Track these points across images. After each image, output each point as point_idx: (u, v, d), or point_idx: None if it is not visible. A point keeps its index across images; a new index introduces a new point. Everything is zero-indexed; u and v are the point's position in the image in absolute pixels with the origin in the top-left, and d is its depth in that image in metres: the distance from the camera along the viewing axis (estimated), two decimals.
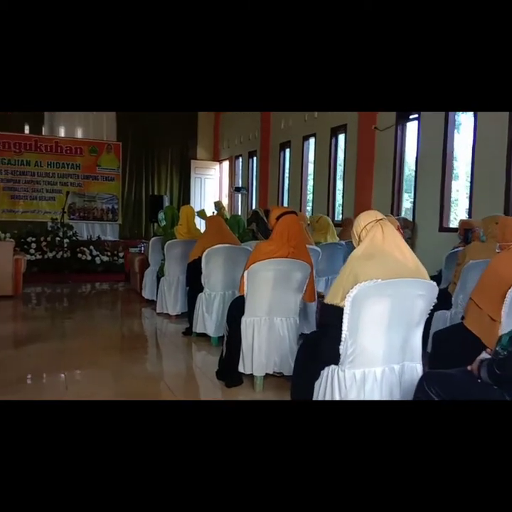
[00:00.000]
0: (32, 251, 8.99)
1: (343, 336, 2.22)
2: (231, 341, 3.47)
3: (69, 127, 11.43)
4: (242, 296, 3.41)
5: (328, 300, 2.31)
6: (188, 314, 4.90)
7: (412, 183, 6.68)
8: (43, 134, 11.13)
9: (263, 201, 10.13)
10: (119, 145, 11.66)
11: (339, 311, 2.23)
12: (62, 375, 3.65)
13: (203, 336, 4.58)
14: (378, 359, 2.27)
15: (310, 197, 8.93)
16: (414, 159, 6.49)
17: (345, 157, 7.77)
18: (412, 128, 6.67)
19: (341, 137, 7.97)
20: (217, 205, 10.27)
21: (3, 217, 10.63)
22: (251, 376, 3.37)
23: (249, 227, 5.84)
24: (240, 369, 3.35)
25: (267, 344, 3.29)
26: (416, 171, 6.47)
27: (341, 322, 2.22)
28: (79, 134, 11.47)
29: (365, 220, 2.38)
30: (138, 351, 4.45)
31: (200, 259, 4.43)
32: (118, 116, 11.79)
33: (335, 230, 5.86)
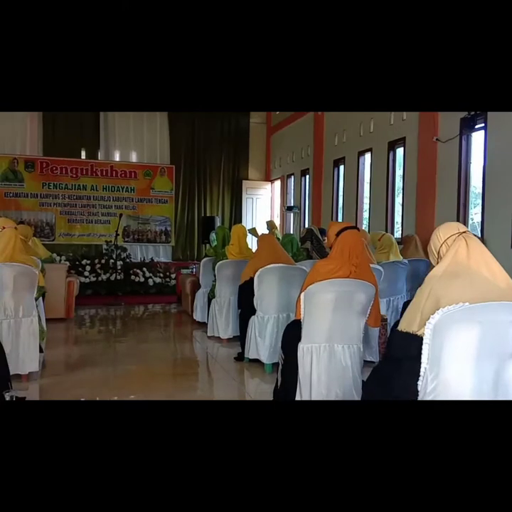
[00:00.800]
0: (86, 273, 9.07)
1: (422, 369, 1.87)
2: (287, 370, 3.16)
3: (123, 151, 11.63)
4: (298, 320, 3.12)
5: (402, 327, 1.97)
6: (240, 338, 4.63)
7: (477, 198, 6.19)
8: (99, 158, 11.36)
9: (316, 220, 9.82)
10: (172, 168, 11.74)
11: (417, 340, 1.89)
12: (114, 399, 3.46)
13: (256, 361, 4.29)
14: (465, 397, 1.89)
15: (366, 214, 8.54)
16: (482, 172, 6.01)
17: (404, 172, 7.36)
18: (477, 138, 6.22)
19: (399, 151, 7.58)
20: (270, 224, 10.07)
21: (60, 240, 10.86)
22: None
23: (303, 246, 5.54)
24: (297, 399, 3.03)
25: (327, 374, 2.96)
26: (484, 184, 5.98)
27: (419, 353, 1.87)
28: (133, 158, 11.64)
29: (445, 233, 2.04)
30: (189, 378, 4.22)
31: (252, 280, 4.18)
32: (171, 140, 11.92)
33: (398, 248, 5.47)
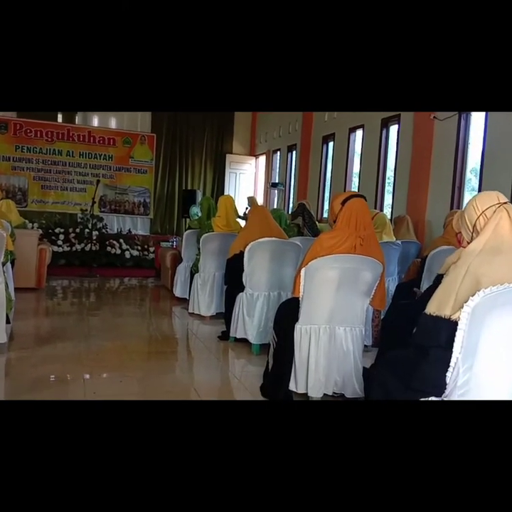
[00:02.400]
0: (60, 242, 8.61)
1: (454, 359, 1.62)
2: (280, 353, 2.89)
3: (102, 117, 11.08)
4: (295, 298, 2.84)
5: (432, 310, 1.71)
6: (225, 316, 4.34)
7: (474, 180, 5.99)
8: (76, 123, 10.80)
9: (301, 197, 9.51)
10: (153, 137, 11.26)
11: (449, 325, 1.63)
12: (87, 377, 3.17)
13: (242, 341, 4.02)
14: (502, 393, 1.65)
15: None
16: (481, 152, 5.78)
17: (397, 150, 7.09)
18: (477, 117, 5.98)
19: (393, 129, 7.30)
20: (250, 200, 9.74)
21: (33, 207, 10.34)
22: (303, 395, 2.79)
23: (293, 222, 5.25)
24: (292, 387, 2.77)
25: (327, 359, 2.70)
26: (482, 166, 5.76)
27: (451, 341, 1.61)
28: (113, 124, 11.11)
29: (483, 203, 1.77)
30: (168, 357, 3.92)
31: (241, 254, 3.87)
32: None
33: (392, 228, 5.23)
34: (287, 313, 2.93)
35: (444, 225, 4.89)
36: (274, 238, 3.83)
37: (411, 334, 3.11)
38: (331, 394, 2.78)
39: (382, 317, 3.98)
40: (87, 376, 3.24)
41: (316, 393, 2.70)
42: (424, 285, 4.28)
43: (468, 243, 1.76)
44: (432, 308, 1.71)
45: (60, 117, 10.56)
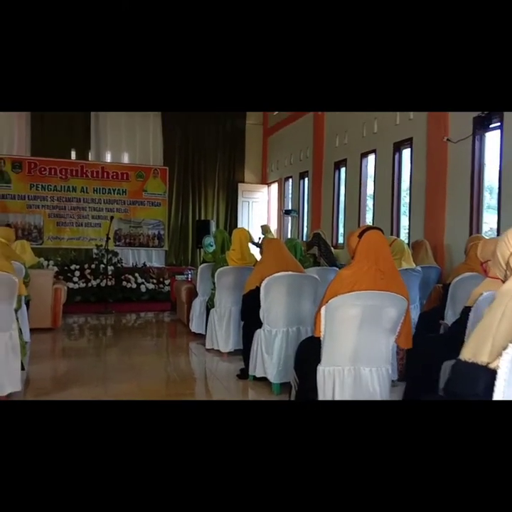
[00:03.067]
0: (75, 279, 8.62)
1: None
2: (303, 396, 2.76)
3: (115, 153, 11.20)
4: (316, 337, 2.72)
5: (467, 356, 1.58)
6: (243, 353, 4.22)
7: (488, 197, 5.85)
8: (89, 159, 10.93)
9: (316, 224, 9.45)
10: (165, 169, 11.35)
11: (487, 374, 1.50)
12: None
13: (262, 379, 3.89)
14: None
15: (369, 219, 8.17)
16: (498, 173, 5.66)
17: (411, 174, 7.00)
18: (491, 138, 5.87)
19: (406, 152, 7.22)
20: (264, 228, 9.68)
21: (48, 244, 10.41)
22: None
23: (309, 252, 5.15)
24: None
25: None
26: (500, 187, 5.63)
27: (489, 390, 1.48)
28: (125, 159, 11.22)
29: None
30: (187, 399, 3.79)
31: (257, 289, 3.77)
32: (164, 140, 11.57)
33: (410, 253, 5.10)
34: (308, 353, 2.80)
35: (465, 251, 4.76)
36: (290, 272, 3.73)
37: (438, 369, 2.96)
38: None
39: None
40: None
41: None
42: (448, 314, 4.14)
43: (503, 282, 1.64)
44: (467, 354, 1.58)
45: (73, 154, 10.71)
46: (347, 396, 2.54)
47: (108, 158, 11.11)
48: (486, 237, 4.82)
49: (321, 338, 2.59)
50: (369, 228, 2.63)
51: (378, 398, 2.58)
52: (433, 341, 3.15)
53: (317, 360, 2.65)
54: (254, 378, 3.94)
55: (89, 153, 10.99)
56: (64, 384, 4.00)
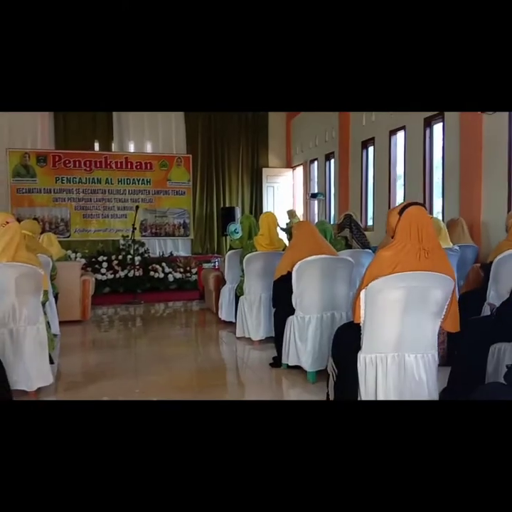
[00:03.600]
0: (103, 271, 8.62)
1: None
2: (342, 385, 2.60)
3: (138, 142, 11.12)
4: (352, 322, 2.55)
5: None
6: (276, 341, 4.07)
7: None
8: (113, 150, 10.88)
9: (343, 207, 9.20)
10: (188, 158, 11.23)
11: None
12: None
13: (296, 368, 3.74)
14: None
15: (400, 199, 7.88)
16: None
17: (444, 150, 6.69)
18: None
19: (437, 127, 6.90)
20: (291, 214, 9.48)
21: (76, 236, 10.46)
22: None
23: (340, 235, 4.95)
24: None
25: (398, 391, 2.38)
26: None
27: None
28: (148, 148, 11.13)
29: None
30: (219, 391, 3.67)
31: (289, 274, 3.61)
32: (187, 128, 11.43)
33: (447, 233, 4.85)
34: (347, 340, 2.64)
35: (506, 228, 4.50)
36: (323, 255, 3.55)
37: (485, 353, 2.74)
38: None
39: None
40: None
41: None
42: (491, 295, 3.91)
43: None
44: None
45: (97, 146, 10.68)
46: (391, 385, 2.37)
47: (131, 148, 11.04)
48: None
49: (361, 324, 2.42)
50: (410, 204, 2.43)
51: (425, 386, 2.40)
52: (479, 324, 2.94)
53: (357, 346, 2.48)
54: (288, 366, 3.80)
55: (113, 144, 10.94)
56: (95, 377, 3.93)
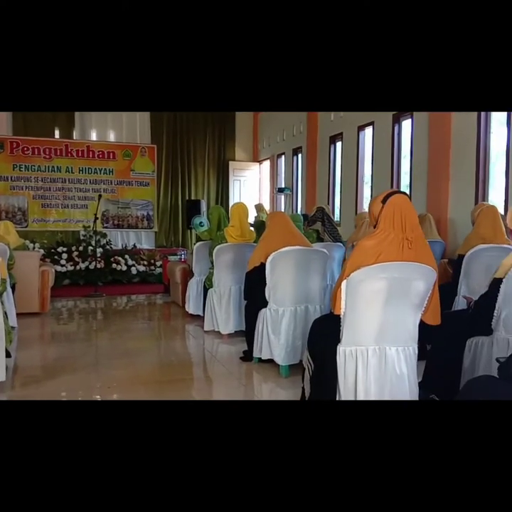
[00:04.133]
0: (63, 262, 8.28)
1: None
2: (319, 379, 2.51)
3: (101, 131, 10.78)
4: (331, 315, 2.47)
5: None
6: (246, 334, 3.97)
7: (498, 174, 5.62)
8: (74, 138, 10.50)
9: (310, 202, 9.18)
10: (153, 148, 10.97)
11: None
12: None
13: (268, 362, 3.65)
14: None
15: (368, 194, 7.91)
16: (506, 144, 5.41)
17: (412, 147, 6.73)
18: None
19: (406, 124, 6.95)
20: (258, 208, 9.38)
21: (34, 226, 10.05)
22: None
23: (312, 228, 4.88)
24: None
25: (378, 385, 2.31)
26: (508, 158, 5.39)
27: None
28: (111, 137, 10.81)
29: None
30: (187, 385, 3.54)
31: (262, 266, 3.51)
32: (152, 118, 11.16)
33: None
34: (324, 333, 2.56)
35: (472, 221, 4.56)
36: (297, 246, 3.46)
37: (461, 347, 2.71)
38: None
39: None
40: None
41: None
42: (462, 288, 3.94)
43: None
44: None
45: (57, 133, 10.27)
46: (371, 378, 2.30)
47: (93, 136, 10.69)
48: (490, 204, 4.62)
49: (341, 316, 2.34)
50: (394, 192, 2.36)
51: (405, 380, 2.34)
52: (455, 317, 2.92)
53: (335, 339, 2.40)
54: (260, 360, 3.70)
55: (74, 132, 10.57)
56: (55, 371, 3.72)
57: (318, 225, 4.80)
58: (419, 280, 2.28)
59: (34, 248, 8.06)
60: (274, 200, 11.15)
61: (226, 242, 4.55)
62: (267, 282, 3.45)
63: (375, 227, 2.35)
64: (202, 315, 5.02)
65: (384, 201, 2.32)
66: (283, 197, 10.61)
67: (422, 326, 2.41)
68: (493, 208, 4.23)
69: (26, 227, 9.87)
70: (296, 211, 10.08)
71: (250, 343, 3.80)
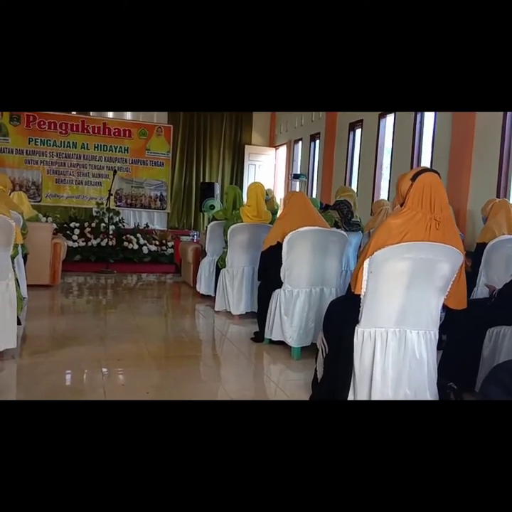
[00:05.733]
0: (75, 237, 8.29)
1: None
2: (333, 361, 2.45)
3: None
4: (349, 296, 2.40)
5: None
6: (258, 316, 3.91)
7: None
8: (91, 114, 10.43)
9: (326, 189, 9.07)
10: (169, 128, 10.87)
11: None
12: (108, 388, 2.76)
13: (279, 343, 3.59)
14: None
15: (385, 185, 7.78)
16: None
17: (434, 136, 6.58)
18: None
19: (428, 113, 6.78)
20: (268, 193, 9.28)
21: (47, 201, 10.02)
22: None
23: (327, 212, 4.78)
24: None
25: (396, 369, 2.24)
26: None
27: None
28: (128, 115, 10.72)
29: None
30: (197, 362, 3.49)
31: (278, 246, 3.43)
32: None
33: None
34: (341, 315, 2.48)
35: (483, 218, 4.48)
36: (316, 227, 3.38)
37: (482, 338, 2.63)
38: None
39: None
40: (108, 387, 2.83)
41: None
42: (481, 279, 3.84)
43: None
44: None
45: None
46: (389, 361, 2.23)
47: (110, 114, 10.61)
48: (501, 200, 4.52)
49: (362, 296, 2.26)
50: (425, 170, 2.27)
51: (425, 365, 2.27)
52: (476, 306, 2.84)
53: (352, 320, 2.33)
54: (271, 342, 3.64)
55: None
56: (63, 342, 3.69)
57: (334, 212, 4.69)
58: (445, 262, 2.19)
59: (47, 221, 8.05)
60: (288, 187, 11.03)
61: (241, 221, 4.47)
62: (282, 262, 3.38)
63: (402, 205, 2.26)
64: (213, 295, 4.97)
65: (413, 179, 2.23)
66: (298, 183, 10.49)
67: (445, 311, 2.33)
68: (506, 202, 4.19)
69: (40, 201, 9.85)
70: (312, 197, 9.97)
71: (262, 324, 3.74)
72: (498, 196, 5.53)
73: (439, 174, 2.30)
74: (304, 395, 2.75)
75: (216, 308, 4.71)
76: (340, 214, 4.75)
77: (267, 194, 8.88)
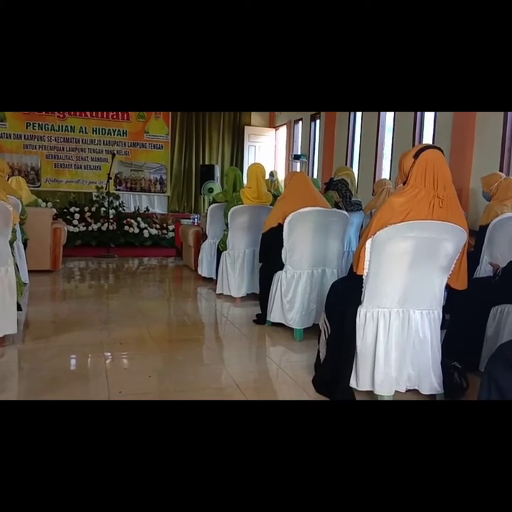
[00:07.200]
0: (75, 222, 8.25)
1: None
2: (335, 342, 2.43)
3: None
4: (352, 276, 2.38)
5: None
6: (260, 297, 3.89)
7: None
8: None
9: (327, 170, 8.97)
10: None
11: None
12: (110, 372, 2.76)
13: (281, 325, 3.58)
14: None
15: (387, 164, 7.70)
16: None
17: (435, 113, 6.49)
18: None
19: None
20: (273, 174, 9.21)
21: (46, 186, 9.96)
22: (367, 393, 2.34)
23: (328, 194, 4.73)
24: (352, 383, 2.31)
25: (399, 349, 2.22)
26: None
27: None
28: None
29: None
30: (200, 345, 3.49)
31: (280, 227, 3.40)
32: None
33: None
34: (343, 295, 2.46)
35: (489, 197, 4.42)
36: (317, 207, 3.34)
37: (486, 316, 2.60)
38: (403, 391, 2.31)
39: None
40: (111, 371, 2.83)
41: (386, 391, 2.23)
42: (484, 257, 3.81)
43: None
44: None
45: None
46: (393, 341, 2.21)
47: None
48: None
49: (364, 276, 2.24)
50: (427, 147, 2.23)
51: (428, 344, 2.25)
52: (480, 284, 2.81)
53: (354, 301, 2.31)
54: (273, 323, 3.63)
55: None
56: (65, 327, 3.69)
57: (333, 193, 4.64)
58: (449, 241, 2.16)
59: (46, 206, 8.02)
60: (289, 167, 10.94)
61: (242, 203, 4.43)
62: (283, 244, 3.35)
63: (404, 183, 2.22)
64: (214, 278, 4.95)
65: (416, 156, 2.19)
66: (299, 164, 10.40)
67: (448, 290, 2.30)
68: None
69: (39, 186, 9.80)
70: (312, 177, 9.89)
71: (264, 306, 3.73)
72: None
73: (442, 151, 2.25)
74: (306, 376, 2.74)
75: (217, 291, 4.69)
76: (339, 194, 4.70)
77: (271, 175, 8.85)
